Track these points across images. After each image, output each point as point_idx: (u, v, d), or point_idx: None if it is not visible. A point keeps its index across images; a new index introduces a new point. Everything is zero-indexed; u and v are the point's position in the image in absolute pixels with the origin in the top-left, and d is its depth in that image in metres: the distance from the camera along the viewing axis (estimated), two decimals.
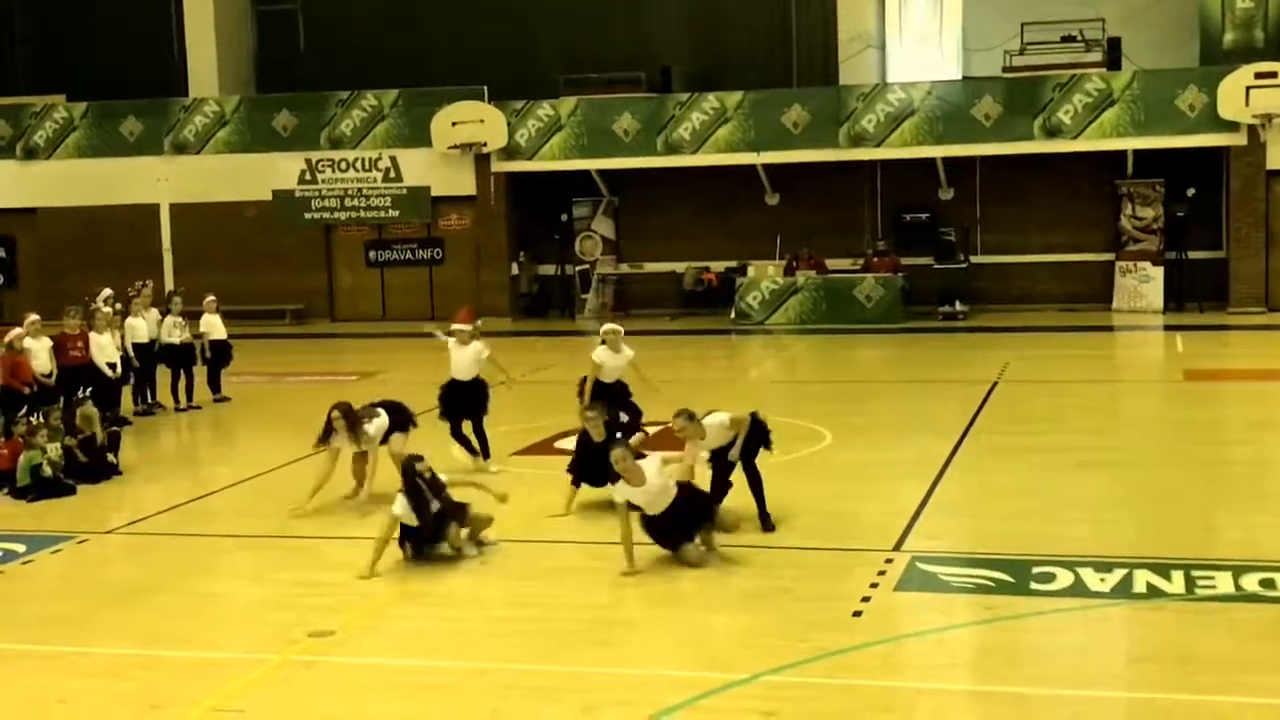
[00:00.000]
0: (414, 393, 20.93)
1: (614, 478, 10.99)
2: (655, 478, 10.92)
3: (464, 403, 14.79)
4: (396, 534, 11.24)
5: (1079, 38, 29.81)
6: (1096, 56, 29.37)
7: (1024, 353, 23.63)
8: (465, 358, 14.78)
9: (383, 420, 13.45)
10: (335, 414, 12.98)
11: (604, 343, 14.57)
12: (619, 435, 12.87)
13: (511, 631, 9.80)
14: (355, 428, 13.00)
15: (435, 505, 11.23)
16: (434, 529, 11.27)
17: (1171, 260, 28.76)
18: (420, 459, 11.44)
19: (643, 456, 11.28)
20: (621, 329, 14.83)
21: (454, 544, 11.34)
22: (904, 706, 8.36)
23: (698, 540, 11.08)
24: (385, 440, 13.48)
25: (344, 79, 32.21)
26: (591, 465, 12.31)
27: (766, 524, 11.96)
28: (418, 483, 11.19)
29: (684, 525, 11.02)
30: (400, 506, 11.13)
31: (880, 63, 31.24)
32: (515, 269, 31.58)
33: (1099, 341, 26.08)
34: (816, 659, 8.94)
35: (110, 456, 15.34)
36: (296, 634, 9.74)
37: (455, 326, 15.10)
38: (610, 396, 14.06)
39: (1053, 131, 28.26)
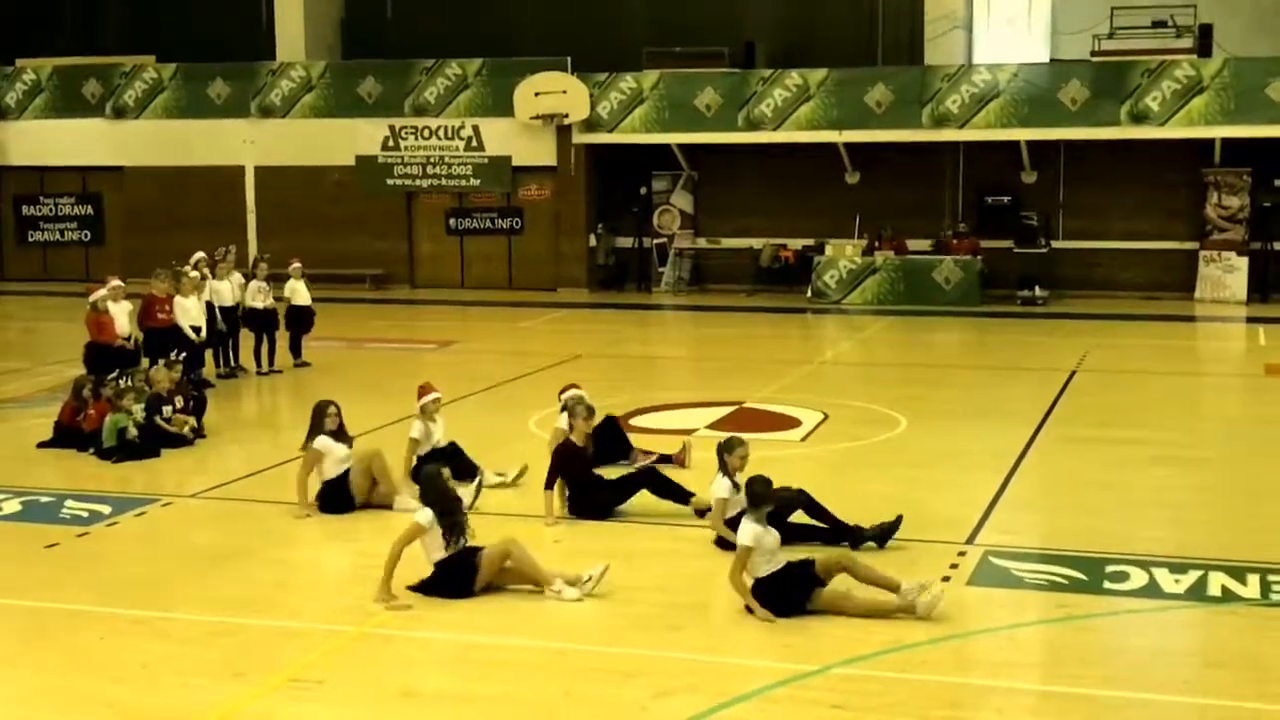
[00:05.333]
0: (489, 363, 21.12)
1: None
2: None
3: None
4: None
5: (1170, 23, 29.35)
6: (1187, 43, 28.92)
7: (1104, 341, 23.44)
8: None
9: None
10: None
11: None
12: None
13: (588, 613, 9.91)
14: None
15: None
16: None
17: (1257, 251, 28.40)
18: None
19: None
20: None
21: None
22: (972, 703, 8.40)
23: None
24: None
25: (429, 47, 32.37)
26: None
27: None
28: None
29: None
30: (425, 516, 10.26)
31: (967, 44, 30.93)
32: (593, 241, 31.70)
33: (1180, 331, 25.81)
34: (887, 652, 8.99)
35: (190, 422, 15.59)
36: (375, 606, 9.90)
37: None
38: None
39: (1140, 118, 27.90)
